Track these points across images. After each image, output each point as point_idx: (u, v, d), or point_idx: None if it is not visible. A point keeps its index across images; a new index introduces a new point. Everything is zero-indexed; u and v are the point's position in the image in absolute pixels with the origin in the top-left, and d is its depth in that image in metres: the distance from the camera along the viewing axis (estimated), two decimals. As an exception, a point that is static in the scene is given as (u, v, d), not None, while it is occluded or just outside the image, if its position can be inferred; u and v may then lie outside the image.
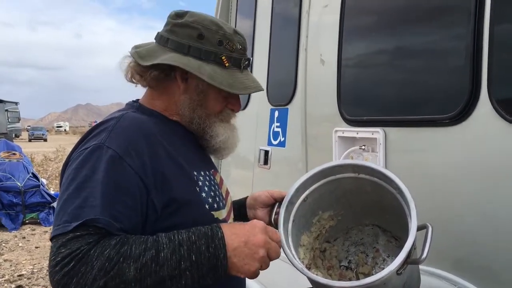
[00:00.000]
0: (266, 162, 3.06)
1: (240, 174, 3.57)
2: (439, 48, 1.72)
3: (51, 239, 1.04)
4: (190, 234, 1.08)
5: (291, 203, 1.38)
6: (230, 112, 1.36)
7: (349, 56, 2.20)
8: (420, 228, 1.22)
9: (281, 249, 1.22)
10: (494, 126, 1.43)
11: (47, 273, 5.49)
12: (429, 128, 1.68)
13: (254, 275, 1.12)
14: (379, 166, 1.36)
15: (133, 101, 1.37)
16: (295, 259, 1.26)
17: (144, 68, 1.28)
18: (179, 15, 1.31)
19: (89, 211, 1.02)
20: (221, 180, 1.42)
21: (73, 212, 1.03)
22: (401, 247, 1.49)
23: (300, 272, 1.23)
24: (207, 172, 1.32)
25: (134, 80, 1.32)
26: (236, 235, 1.10)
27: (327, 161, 1.45)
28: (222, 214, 1.29)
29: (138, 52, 1.29)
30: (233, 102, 1.35)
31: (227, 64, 1.27)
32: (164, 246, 1.03)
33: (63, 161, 1.23)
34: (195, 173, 1.26)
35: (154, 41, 1.34)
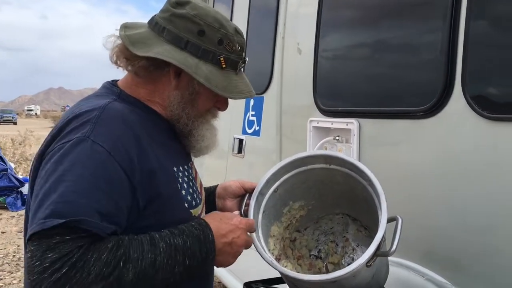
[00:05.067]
0: (240, 151, 3.04)
1: (213, 162, 3.53)
2: (415, 41, 1.72)
3: (29, 238, 0.96)
4: (185, 237, 1.09)
5: (262, 194, 1.36)
6: (216, 112, 1.32)
7: (326, 46, 2.19)
8: (390, 220, 1.22)
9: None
10: (467, 120, 1.44)
11: (13, 259, 5.32)
12: (403, 120, 1.69)
13: (228, 265, 1.21)
14: (350, 157, 1.35)
15: (111, 83, 1.27)
16: (265, 252, 1.24)
17: (134, 54, 1.19)
18: (180, 3, 1.21)
19: (72, 209, 0.96)
20: (196, 172, 1.37)
21: (50, 208, 0.95)
22: (370, 236, 1.51)
23: (269, 265, 1.22)
24: (185, 167, 1.27)
25: (119, 63, 1.23)
26: (223, 236, 1.15)
27: (301, 151, 1.43)
28: (198, 210, 1.26)
29: (129, 36, 1.19)
30: (222, 101, 1.30)
31: (224, 66, 1.20)
32: (161, 250, 1.04)
33: (30, 144, 1.14)
34: (175, 169, 1.21)
35: (147, 24, 1.24)
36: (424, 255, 1.63)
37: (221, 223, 1.17)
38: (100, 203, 0.99)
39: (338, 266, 1.52)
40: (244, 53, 1.27)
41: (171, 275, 1.05)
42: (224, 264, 1.18)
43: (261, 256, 1.23)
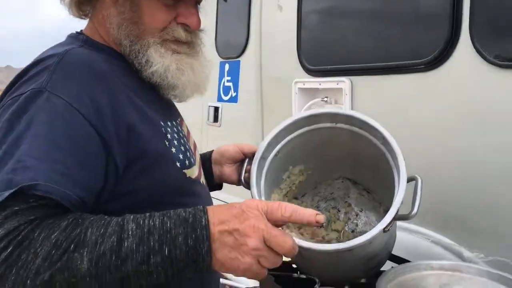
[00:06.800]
0: (216, 119, 2.90)
1: (187, 133, 3.38)
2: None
3: None
4: (165, 219, 0.81)
5: (263, 158, 1.23)
6: (179, 30, 1.07)
7: (310, -1, 2.03)
8: (408, 180, 1.12)
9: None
10: (476, 69, 1.35)
11: None
12: (403, 75, 1.58)
13: (249, 274, 0.82)
14: (361, 114, 1.23)
15: (76, 32, 1.10)
16: None
17: None
18: None
19: (27, 174, 0.79)
20: (188, 131, 1.22)
21: (7, 178, 0.80)
22: (374, 200, 1.43)
23: None
24: (174, 122, 1.11)
25: (74, 12, 1.09)
26: (221, 223, 0.81)
27: (285, 116, 1.31)
28: (194, 172, 1.10)
29: None
30: (184, 12, 1.06)
31: None
32: (130, 233, 0.78)
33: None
34: (162, 123, 1.05)
35: None
36: (429, 216, 1.57)
37: (224, 209, 0.84)
38: (62, 165, 0.83)
39: (341, 233, 1.43)
40: None
41: (148, 267, 0.78)
42: (227, 266, 0.81)
43: None
